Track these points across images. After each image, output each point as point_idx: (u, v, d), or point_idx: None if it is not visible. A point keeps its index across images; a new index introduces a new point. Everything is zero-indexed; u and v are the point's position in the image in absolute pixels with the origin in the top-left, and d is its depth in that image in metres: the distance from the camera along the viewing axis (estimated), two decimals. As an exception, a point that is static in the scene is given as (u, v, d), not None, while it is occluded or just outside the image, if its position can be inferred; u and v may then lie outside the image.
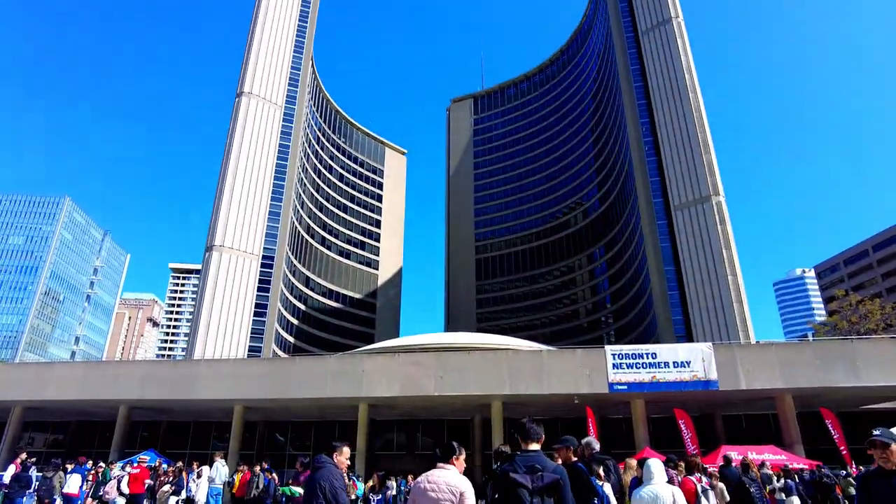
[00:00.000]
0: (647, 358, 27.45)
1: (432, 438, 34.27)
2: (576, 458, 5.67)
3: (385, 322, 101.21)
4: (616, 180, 79.34)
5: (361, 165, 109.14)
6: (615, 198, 79.75)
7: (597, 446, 6.73)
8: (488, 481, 5.69)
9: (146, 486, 14.75)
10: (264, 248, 76.98)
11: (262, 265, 75.98)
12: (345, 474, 5.04)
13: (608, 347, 28.09)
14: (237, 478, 15.91)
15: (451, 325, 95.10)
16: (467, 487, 4.06)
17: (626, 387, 26.86)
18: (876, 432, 3.60)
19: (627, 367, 27.16)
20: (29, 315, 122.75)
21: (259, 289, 74.49)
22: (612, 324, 78.53)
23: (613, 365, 27.13)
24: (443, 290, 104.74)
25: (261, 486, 15.67)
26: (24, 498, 13.12)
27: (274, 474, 16.41)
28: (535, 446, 4.30)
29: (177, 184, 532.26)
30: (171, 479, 15.25)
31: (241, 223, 75.58)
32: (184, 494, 15.47)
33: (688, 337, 57.21)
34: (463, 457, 4.42)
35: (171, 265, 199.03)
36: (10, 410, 31.20)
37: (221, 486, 15.05)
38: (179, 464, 17.02)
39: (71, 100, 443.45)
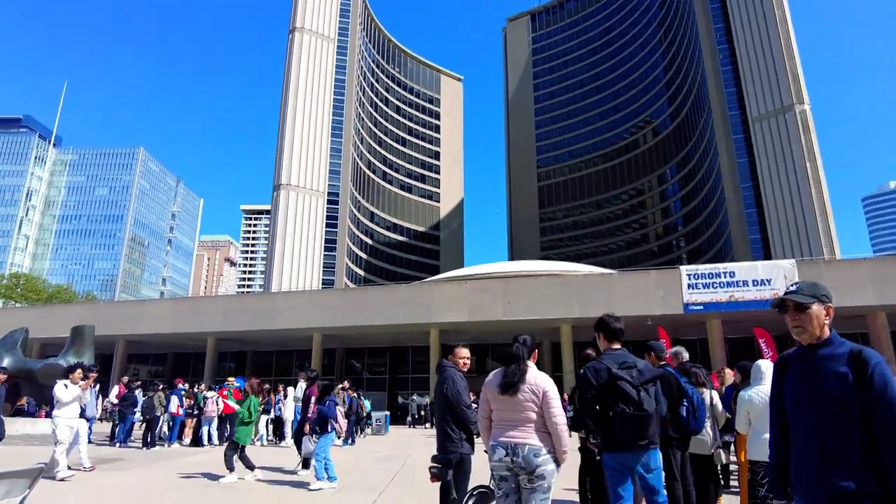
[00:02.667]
0: (725, 277, 26.34)
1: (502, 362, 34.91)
2: (661, 364, 5.45)
3: (449, 254, 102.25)
4: (688, 94, 74.28)
5: (417, 96, 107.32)
6: (687, 113, 74.94)
7: (686, 355, 6.44)
8: (576, 387, 5.53)
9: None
10: (328, 184, 78.40)
11: (329, 202, 77.69)
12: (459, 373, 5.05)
13: (683, 267, 27.12)
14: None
15: (514, 255, 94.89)
16: (551, 386, 3.74)
17: (701, 307, 26.03)
18: (791, 287, 2.48)
19: (703, 287, 26.21)
20: (121, 260, 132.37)
21: (327, 224, 76.58)
22: (684, 247, 75.80)
23: (689, 285, 26.24)
24: (506, 219, 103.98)
25: (345, 402, 16.72)
26: (134, 415, 14.79)
27: (355, 393, 17.33)
28: (618, 345, 4.11)
29: (241, 127, 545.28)
30: (260, 399, 16.27)
31: (305, 161, 76.93)
32: (273, 414, 16.55)
33: (766, 257, 54.51)
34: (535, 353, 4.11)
35: (243, 207, 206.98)
36: (116, 344, 34.11)
37: (307, 405, 16.04)
38: (266, 386, 18.09)
39: (130, 50, 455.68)
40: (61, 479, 8.64)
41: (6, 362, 18.32)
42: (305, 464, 10.16)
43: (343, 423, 9.57)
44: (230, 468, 9.00)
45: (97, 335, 22.35)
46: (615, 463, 3.85)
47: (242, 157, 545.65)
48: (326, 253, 75.58)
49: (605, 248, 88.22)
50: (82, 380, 9.49)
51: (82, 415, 9.65)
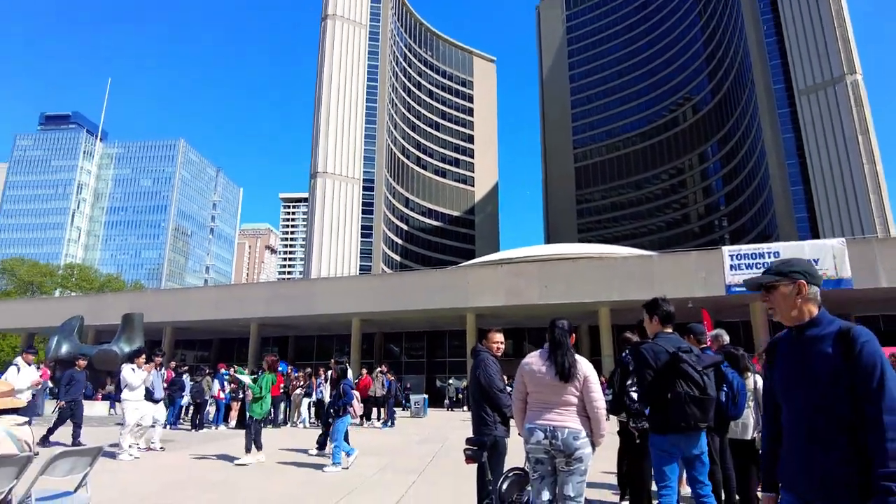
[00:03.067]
0: (769, 257, 25.54)
1: (540, 346, 34.81)
2: (702, 347, 5.36)
3: (485, 238, 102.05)
4: (729, 68, 71.67)
5: (450, 79, 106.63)
6: (728, 88, 72.38)
7: (727, 338, 6.30)
8: (615, 370, 5.54)
9: (281, 389, 16.40)
10: (364, 171, 79.03)
11: (364, 188, 78.38)
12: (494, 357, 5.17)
13: (725, 248, 26.42)
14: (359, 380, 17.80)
15: (551, 238, 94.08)
16: (591, 371, 3.73)
17: (744, 288, 25.38)
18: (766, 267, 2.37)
19: (747, 268, 25.50)
20: (165, 249, 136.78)
21: (363, 211, 77.33)
22: (727, 227, 73.70)
23: (731, 266, 25.57)
24: (541, 202, 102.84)
25: (384, 386, 17.11)
26: (182, 399, 15.42)
27: (392, 376, 17.68)
28: (670, 328, 4.06)
29: (279, 116, 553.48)
30: (301, 383, 16.77)
31: (340, 149, 77.63)
32: (314, 396, 16.98)
33: (814, 236, 52.56)
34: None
35: (281, 195, 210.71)
36: (163, 331, 35.42)
37: (347, 388, 16.45)
38: (308, 369, 18.56)
39: (166, 45, 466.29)
40: (127, 459, 9.15)
41: (65, 348, 19.26)
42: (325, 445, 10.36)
43: (358, 407, 9.67)
44: (258, 447, 9.28)
45: (146, 322, 23.26)
46: (667, 445, 3.83)
47: (281, 146, 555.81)
48: (363, 239, 76.42)
49: (644, 230, 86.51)
50: (147, 363, 10.01)
51: (150, 397, 10.15)
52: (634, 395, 5.06)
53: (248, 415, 9.67)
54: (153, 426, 10.29)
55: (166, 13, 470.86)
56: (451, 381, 30.60)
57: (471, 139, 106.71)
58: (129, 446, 9.52)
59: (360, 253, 75.50)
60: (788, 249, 25.75)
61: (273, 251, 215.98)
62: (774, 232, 58.11)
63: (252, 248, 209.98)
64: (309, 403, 17.25)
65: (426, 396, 23.27)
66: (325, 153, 76.29)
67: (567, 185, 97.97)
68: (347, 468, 8.66)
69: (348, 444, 8.99)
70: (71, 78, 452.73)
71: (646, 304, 4.21)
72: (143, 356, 10.10)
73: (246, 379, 12.86)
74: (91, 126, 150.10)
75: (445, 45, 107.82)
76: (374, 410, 18.52)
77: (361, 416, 18.10)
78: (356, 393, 11.84)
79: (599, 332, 28.42)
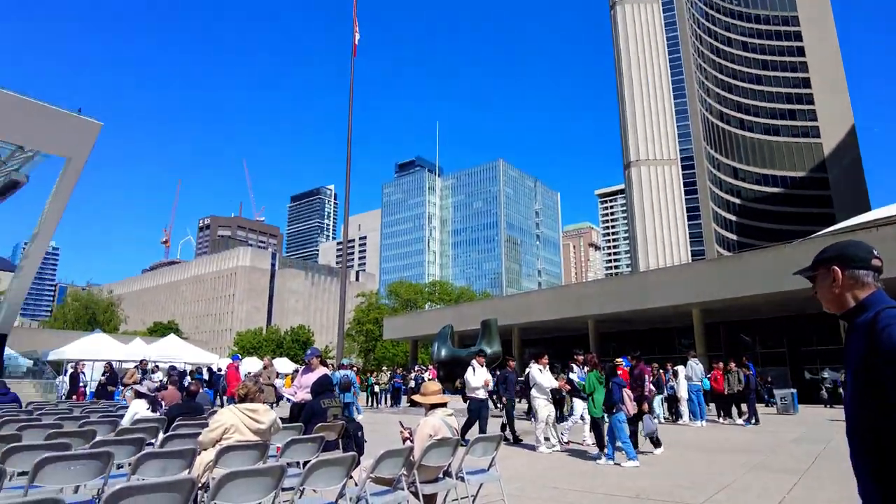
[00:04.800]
0: None
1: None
2: None
3: (845, 196, 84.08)
4: None
5: (766, 22, 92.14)
6: None
7: None
8: None
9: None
10: (680, 150, 74.44)
11: (683, 167, 73.81)
12: None
13: None
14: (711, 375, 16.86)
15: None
16: None
17: None
18: None
19: None
20: (502, 259, 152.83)
21: (686, 192, 72.78)
22: None
23: None
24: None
25: (740, 381, 15.82)
26: None
27: (750, 370, 16.17)
28: None
29: (579, 116, 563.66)
30: (650, 380, 16.69)
31: (651, 132, 74.86)
32: (665, 391, 16.75)
33: None
34: None
35: (597, 192, 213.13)
36: (511, 331, 39.61)
37: (699, 383, 15.72)
38: (655, 365, 18.38)
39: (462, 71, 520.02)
40: (546, 451, 10.39)
41: (444, 352, 23.34)
42: (655, 442, 10.16)
43: (630, 406, 9.11)
44: (600, 445, 9.65)
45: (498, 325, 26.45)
46: None
47: (588, 143, 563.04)
48: (690, 222, 71.55)
49: None
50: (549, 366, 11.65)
51: (578, 395, 11.62)
52: None
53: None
54: (580, 421, 11.53)
55: (460, 51, 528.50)
56: (825, 374, 26.25)
57: (807, 83, 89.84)
58: (567, 442, 11.05)
59: (690, 237, 70.82)
60: None
61: (597, 248, 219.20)
62: None
63: (576, 248, 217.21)
64: (661, 399, 17.05)
65: (794, 391, 20.45)
66: (635, 141, 74.48)
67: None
68: (633, 464, 8.43)
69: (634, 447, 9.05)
70: (412, 127, 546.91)
71: None
72: (545, 357, 11.53)
73: (574, 377, 13.61)
74: (430, 165, 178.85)
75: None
76: (734, 407, 17.19)
77: (720, 413, 17.05)
78: (628, 392, 11.32)
79: None
